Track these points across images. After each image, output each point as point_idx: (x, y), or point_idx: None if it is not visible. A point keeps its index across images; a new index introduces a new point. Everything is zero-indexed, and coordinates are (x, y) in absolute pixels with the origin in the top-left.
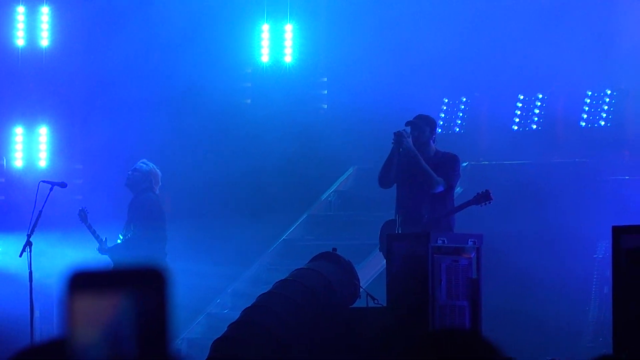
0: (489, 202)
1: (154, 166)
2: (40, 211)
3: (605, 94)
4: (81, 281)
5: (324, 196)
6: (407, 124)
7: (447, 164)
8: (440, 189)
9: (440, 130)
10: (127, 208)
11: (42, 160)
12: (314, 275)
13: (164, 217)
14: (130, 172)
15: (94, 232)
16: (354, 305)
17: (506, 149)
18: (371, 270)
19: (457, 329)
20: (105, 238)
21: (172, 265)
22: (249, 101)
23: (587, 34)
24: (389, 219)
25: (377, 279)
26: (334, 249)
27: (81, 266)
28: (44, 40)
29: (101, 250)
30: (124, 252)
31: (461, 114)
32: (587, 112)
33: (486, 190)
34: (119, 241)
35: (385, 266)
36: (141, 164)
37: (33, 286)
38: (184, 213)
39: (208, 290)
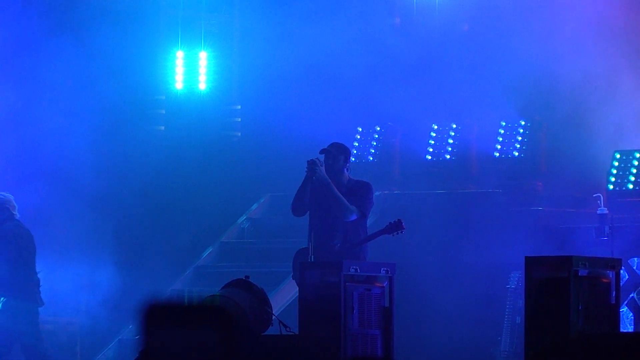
0: (401, 232)
1: (4, 193)
2: None
3: (520, 125)
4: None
5: (237, 223)
6: (322, 151)
7: (360, 192)
8: (353, 217)
9: (353, 159)
10: None
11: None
12: (226, 301)
13: (32, 241)
14: None
15: None
16: (266, 332)
17: (420, 179)
18: (284, 297)
19: (368, 358)
20: None
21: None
22: (162, 128)
23: (501, 65)
24: (301, 246)
25: (289, 306)
26: (247, 277)
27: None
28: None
29: None
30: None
31: (375, 143)
32: (500, 143)
33: (398, 219)
34: None
35: (298, 294)
36: None
37: None
38: (94, 240)
39: (119, 317)
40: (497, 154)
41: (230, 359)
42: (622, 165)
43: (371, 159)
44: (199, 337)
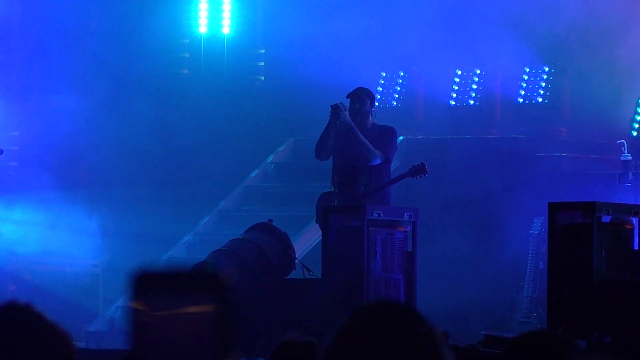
0: (425, 175)
1: None
2: None
3: (543, 71)
4: (147, 283)
5: (261, 167)
6: (349, 96)
7: (384, 137)
8: (377, 161)
9: (377, 104)
10: None
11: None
12: (249, 245)
13: None
14: None
15: None
16: (289, 276)
17: (443, 124)
18: (307, 242)
19: (391, 302)
20: None
21: (108, 231)
22: (186, 72)
23: (526, 11)
24: (325, 191)
25: (312, 250)
26: (270, 220)
27: (146, 267)
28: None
29: None
30: None
31: (398, 88)
32: (524, 89)
33: (421, 162)
34: None
35: (321, 238)
36: None
37: None
38: (120, 181)
39: (142, 259)
40: (521, 100)
41: (223, 327)
42: None
43: (395, 103)
44: (190, 304)
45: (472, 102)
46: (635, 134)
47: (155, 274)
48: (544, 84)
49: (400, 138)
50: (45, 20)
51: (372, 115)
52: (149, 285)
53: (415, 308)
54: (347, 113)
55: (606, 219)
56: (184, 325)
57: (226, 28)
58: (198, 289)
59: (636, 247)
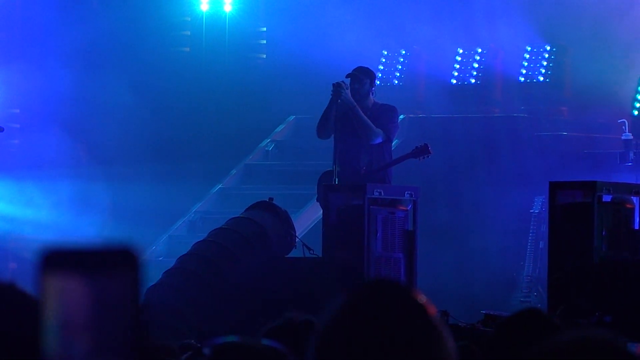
0: (428, 156)
1: None
2: None
3: (545, 50)
4: (55, 261)
5: (262, 146)
6: (348, 75)
7: (386, 116)
8: (378, 140)
9: (378, 82)
10: None
11: None
12: (250, 224)
13: None
14: None
15: None
16: (290, 255)
17: (445, 103)
18: (308, 220)
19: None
20: None
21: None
22: (187, 49)
23: None
24: (326, 169)
25: (313, 229)
26: (271, 199)
27: (54, 246)
28: None
29: None
30: None
31: (400, 67)
32: (526, 68)
33: (425, 144)
34: None
35: (321, 217)
36: None
37: None
38: (120, 161)
39: (143, 237)
40: (522, 79)
41: (132, 308)
42: None
43: (396, 82)
44: (100, 282)
45: (473, 80)
46: (636, 113)
47: (65, 252)
48: (545, 63)
49: (402, 117)
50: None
51: (372, 94)
52: (57, 263)
53: (414, 287)
54: (348, 92)
55: (607, 198)
56: (93, 305)
57: (228, 6)
58: (107, 267)
59: (637, 227)
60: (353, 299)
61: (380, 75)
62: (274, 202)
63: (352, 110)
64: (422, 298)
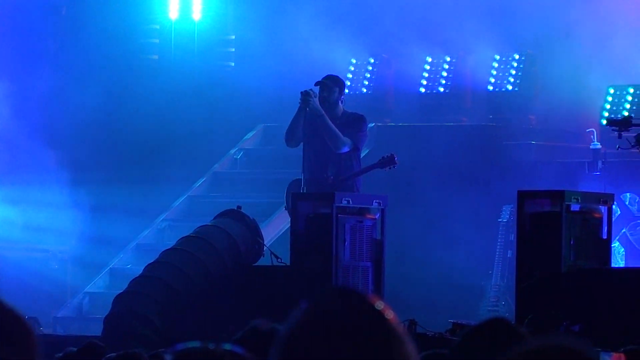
0: (394, 166)
1: None
2: None
3: (513, 59)
4: None
5: (230, 154)
6: (317, 84)
7: (354, 124)
8: (346, 149)
9: (347, 91)
10: None
11: None
12: (218, 232)
13: None
14: None
15: None
16: (258, 263)
17: (413, 111)
18: (276, 228)
19: (349, 289)
20: None
21: (77, 217)
22: (155, 57)
23: None
24: (295, 177)
25: (281, 237)
26: (239, 207)
27: None
28: None
29: None
30: None
31: (368, 75)
32: (494, 77)
33: (391, 154)
34: None
35: (290, 225)
36: None
37: None
38: (88, 167)
39: (111, 245)
40: (491, 88)
41: None
42: (616, 100)
43: (365, 90)
44: None
45: (442, 89)
46: (604, 122)
47: None
48: (514, 72)
49: (370, 125)
50: (14, 3)
51: (342, 103)
52: None
53: (380, 295)
54: (317, 100)
55: (575, 207)
56: None
57: (197, 14)
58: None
59: (605, 236)
60: (314, 307)
61: (349, 84)
62: (242, 210)
63: (320, 119)
64: (382, 305)
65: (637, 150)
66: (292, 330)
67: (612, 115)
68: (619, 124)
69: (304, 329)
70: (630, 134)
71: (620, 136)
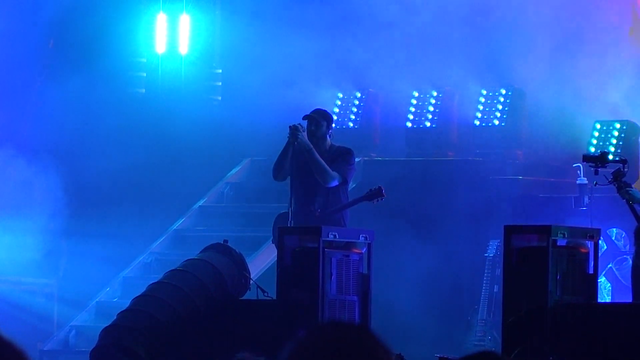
0: (382, 199)
1: None
2: None
3: (500, 94)
4: None
5: (217, 187)
6: (305, 117)
7: (342, 158)
8: (334, 183)
9: (335, 125)
10: None
11: None
12: (204, 265)
13: None
14: None
15: None
16: (244, 297)
17: (400, 146)
18: (263, 262)
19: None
20: None
21: (63, 249)
22: (143, 90)
23: (482, 33)
24: (282, 211)
25: (268, 271)
26: (225, 241)
27: None
28: None
29: None
30: None
31: (355, 109)
32: (481, 111)
33: (379, 187)
34: None
35: (276, 259)
36: None
37: None
38: (75, 202)
39: (98, 279)
40: (478, 122)
41: None
42: (602, 135)
43: (352, 125)
44: None
45: (428, 124)
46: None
47: None
48: (500, 107)
49: (357, 159)
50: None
51: (329, 137)
52: None
53: (369, 329)
54: (305, 134)
55: (562, 242)
56: None
57: (184, 47)
58: None
59: (591, 271)
60: (307, 340)
61: (336, 117)
62: (229, 244)
63: (308, 153)
64: (377, 339)
65: (615, 186)
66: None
67: (591, 152)
68: (595, 160)
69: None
70: (608, 170)
71: (597, 172)
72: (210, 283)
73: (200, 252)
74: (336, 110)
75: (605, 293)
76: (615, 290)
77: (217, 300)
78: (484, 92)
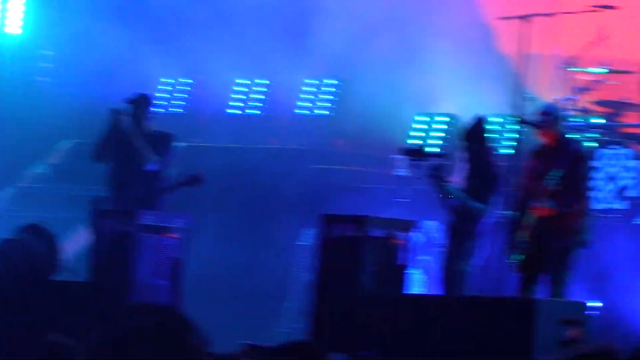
0: (201, 185)
1: None
2: None
3: (326, 84)
4: None
5: (37, 168)
6: (127, 101)
7: (162, 142)
8: (153, 167)
9: (162, 110)
10: None
11: None
12: (17, 246)
13: None
14: None
15: None
16: (56, 278)
17: (225, 132)
18: (78, 244)
19: (152, 305)
20: None
21: None
22: None
23: (310, 23)
24: (101, 194)
25: (83, 253)
26: (38, 221)
27: None
28: None
29: None
30: None
31: (180, 95)
32: (306, 100)
33: (198, 173)
34: None
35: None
36: None
37: None
38: None
39: None
40: (302, 111)
41: None
42: (425, 128)
43: (179, 110)
44: None
45: (252, 111)
46: (397, 151)
47: None
48: (325, 97)
49: (182, 144)
50: None
51: (150, 121)
52: None
53: (177, 311)
54: (127, 118)
55: (377, 233)
56: None
57: (15, 28)
58: None
59: (404, 263)
60: (116, 323)
61: (163, 102)
62: (45, 225)
63: (129, 136)
64: (184, 322)
65: (431, 180)
66: (98, 344)
67: (409, 144)
68: (412, 153)
69: (107, 345)
70: (426, 163)
71: (414, 165)
72: (20, 263)
73: (13, 232)
74: (161, 95)
75: (418, 285)
76: (429, 282)
77: (27, 280)
78: (309, 81)
